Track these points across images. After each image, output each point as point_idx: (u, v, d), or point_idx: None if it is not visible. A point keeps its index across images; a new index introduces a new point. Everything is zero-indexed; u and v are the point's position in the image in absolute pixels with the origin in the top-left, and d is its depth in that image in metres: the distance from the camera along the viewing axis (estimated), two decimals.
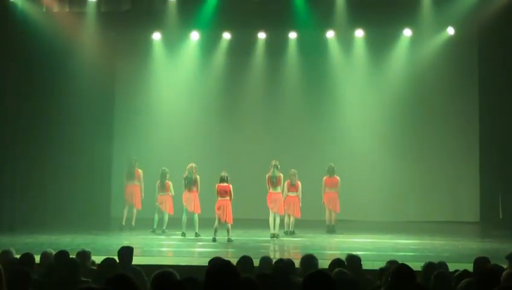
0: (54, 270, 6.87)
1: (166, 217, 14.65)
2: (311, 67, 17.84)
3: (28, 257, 7.26)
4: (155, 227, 14.59)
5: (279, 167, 14.09)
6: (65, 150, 16.35)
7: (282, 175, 14.12)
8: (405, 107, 17.71)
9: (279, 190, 14.06)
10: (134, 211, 15.37)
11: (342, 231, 14.84)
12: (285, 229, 14.34)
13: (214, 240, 13.09)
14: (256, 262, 7.05)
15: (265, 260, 7.25)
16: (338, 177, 15.14)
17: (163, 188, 14.75)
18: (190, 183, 14.08)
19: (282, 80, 18.18)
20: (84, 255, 7.50)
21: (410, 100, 17.67)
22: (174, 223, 14.47)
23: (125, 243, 10.06)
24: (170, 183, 14.74)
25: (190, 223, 14.00)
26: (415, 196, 17.65)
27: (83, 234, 13.79)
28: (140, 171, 15.45)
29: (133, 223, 15.21)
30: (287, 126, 18.20)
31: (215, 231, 13.19)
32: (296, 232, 14.23)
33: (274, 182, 14.00)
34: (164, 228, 14.52)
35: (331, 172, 15.13)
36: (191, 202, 14.01)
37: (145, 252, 11.41)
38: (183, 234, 13.83)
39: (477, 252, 10.62)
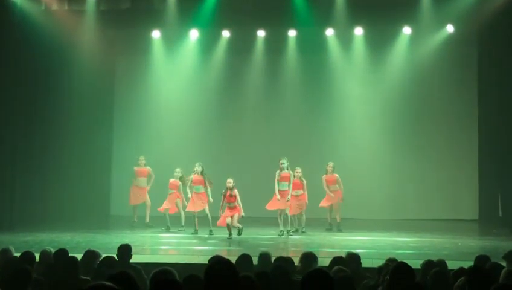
0: (53, 268, 6.87)
1: (168, 215, 14.87)
2: (311, 66, 17.84)
3: (28, 255, 7.27)
4: (183, 225, 14.62)
5: (284, 165, 13.86)
6: (65, 148, 16.37)
7: (289, 172, 13.93)
8: (404, 105, 17.72)
9: (286, 187, 13.88)
10: (147, 209, 15.53)
11: (342, 228, 14.84)
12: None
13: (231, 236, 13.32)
14: (255, 260, 7.08)
15: (264, 256, 7.25)
16: (333, 176, 15.11)
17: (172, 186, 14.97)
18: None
19: (282, 78, 18.18)
20: (93, 255, 7.44)
21: (409, 98, 17.68)
22: (175, 222, 14.50)
23: (125, 241, 10.07)
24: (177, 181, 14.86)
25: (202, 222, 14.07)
26: (414, 193, 17.66)
27: (82, 232, 13.80)
28: (147, 169, 15.54)
29: (147, 220, 15.43)
30: (286, 124, 18.20)
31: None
32: (291, 231, 14.03)
33: (278, 180, 13.93)
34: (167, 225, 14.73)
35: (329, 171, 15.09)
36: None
37: (145, 250, 11.41)
38: (196, 232, 13.95)
39: (476, 250, 10.64)
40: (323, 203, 14.99)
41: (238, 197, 13.45)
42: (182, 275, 4.77)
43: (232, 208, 13.39)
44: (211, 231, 13.75)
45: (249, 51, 17.89)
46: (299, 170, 14.28)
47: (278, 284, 5.53)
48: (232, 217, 13.26)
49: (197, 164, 14.09)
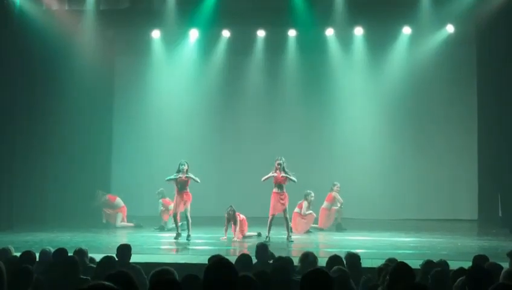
0: (53, 268, 6.87)
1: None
2: (311, 65, 17.82)
3: (29, 255, 7.26)
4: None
5: (281, 165, 13.09)
6: (64, 147, 16.35)
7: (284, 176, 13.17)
8: (404, 105, 17.72)
9: (280, 189, 13.20)
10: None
11: (345, 228, 14.87)
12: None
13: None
14: (255, 260, 7.09)
15: (261, 247, 7.29)
16: (331, 194, 15.24)
17: None
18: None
19: (282, 78, 18.17)
20: (81, 253, 7.49)
21: (409, 98, 17.67)
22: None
23: (124, 241, 10.08)
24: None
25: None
26: (413, 193, 17.65)
27: (82, 232, 13.81)
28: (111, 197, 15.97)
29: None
30: (286, 123, 18.19)
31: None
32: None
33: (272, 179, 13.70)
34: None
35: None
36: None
37: (144, 250, 11.41)
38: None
39: (475, 250, 10.63)
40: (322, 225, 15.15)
41: (238, 221, 13.26)
42: (181, 275, 4.77)
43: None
44: (189, 236, 13.15)
45: (248, 51, 17.89)
46: (312, 194, 14.64)
47: (277, 284, 5.53)
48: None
49: (185, 163, 13.38)
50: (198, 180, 13.25)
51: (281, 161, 13.12)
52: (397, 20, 16.36)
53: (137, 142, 18.11)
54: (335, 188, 15.16)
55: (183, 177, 13.18)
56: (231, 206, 13.25)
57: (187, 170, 13.21)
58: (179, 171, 13.26)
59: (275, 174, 13.08)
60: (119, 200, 15.87)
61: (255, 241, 12.75)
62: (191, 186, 13.36)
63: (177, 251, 12.33)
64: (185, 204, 13.19)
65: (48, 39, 15.22)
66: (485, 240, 13.37)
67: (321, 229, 15.00)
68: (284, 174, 13.04)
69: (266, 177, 13.20)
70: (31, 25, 14.88)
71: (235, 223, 13.21)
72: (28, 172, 15.27)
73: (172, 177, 13.38)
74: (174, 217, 13.40)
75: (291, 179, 13.09)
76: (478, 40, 17.22)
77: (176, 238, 13.19)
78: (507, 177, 15.38)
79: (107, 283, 3.58)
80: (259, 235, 13.47)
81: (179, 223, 13.56)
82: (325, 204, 15.15)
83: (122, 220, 15.74)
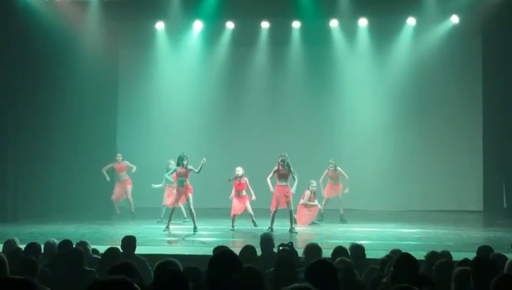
0: (58, 260, 6.88)
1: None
2: (315, 57, 17.80)
3: (34, 247, 7.27)
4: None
5: (284, 161, 13.10)
6: (69, 139, 16.38)
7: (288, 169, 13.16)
8: (409, 96, 17.68)
9: (284, 182, 13.22)
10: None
11: (346, 219, 14.87)
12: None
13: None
14: (259, 251, 7.09)
15: (266, 237, 7.32)
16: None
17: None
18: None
19: (286, 69, 18.15)
20: (83, 245, 7.50)
21: (413, 89, 17.63)
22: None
23: (129, 232, 10.07)
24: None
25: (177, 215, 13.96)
26: (418, 185, 17.63)
27: (87, 224, 13.84)
28: (124, 164, 15.73)
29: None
30: (290, 115, 18.17)
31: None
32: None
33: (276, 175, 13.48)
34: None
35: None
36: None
37: (149, 242, 11.44)
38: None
39: (480, 241, 10.64)
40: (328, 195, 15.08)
41: (248, 185, 13.47)
42: (184, 267, 4.78)
43: (241, 196, 13.42)
44: (195, 228, 13.07)
45: (253, 42, 17.86)
46: (314, 184, 14.56)
47: (282, 275, 5.54)
48: (245, 208, 13.37)
49: (184, 157, 13.29)
50: (197, 171, 13.20)
51: (284, 157, 13.18)
52: (402, 11, 16.31)
53: (142, 134, 18.11)
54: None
55: (183, 170, 13.19)
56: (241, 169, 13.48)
57: (186, 163, 13.22)
58: (178, 165, 13.33)
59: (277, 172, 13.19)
60: (125, 174, 15.79)
61: (258, 233, 12.79)
62: (193, 177, 13.37)
63: (181, 242, 12.34)
64: (186, 197, 13.19)
65: (52, 31, 15.22)
66: (490, 231, 13.37)
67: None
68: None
69: (270, 176, 13.26)
70: (34, 17, 14.87)
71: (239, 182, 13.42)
72: (33, 165, 15.29)
73: (171, 171, 13.71)
74: (172, 211, 13.38)
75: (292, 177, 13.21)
76: (483, 30, 17.15)
77: (164, 230, 13.14)
78: None
79: (128, 279, 3.53)
80: (255, 225, 13.49)
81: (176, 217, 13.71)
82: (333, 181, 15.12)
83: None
